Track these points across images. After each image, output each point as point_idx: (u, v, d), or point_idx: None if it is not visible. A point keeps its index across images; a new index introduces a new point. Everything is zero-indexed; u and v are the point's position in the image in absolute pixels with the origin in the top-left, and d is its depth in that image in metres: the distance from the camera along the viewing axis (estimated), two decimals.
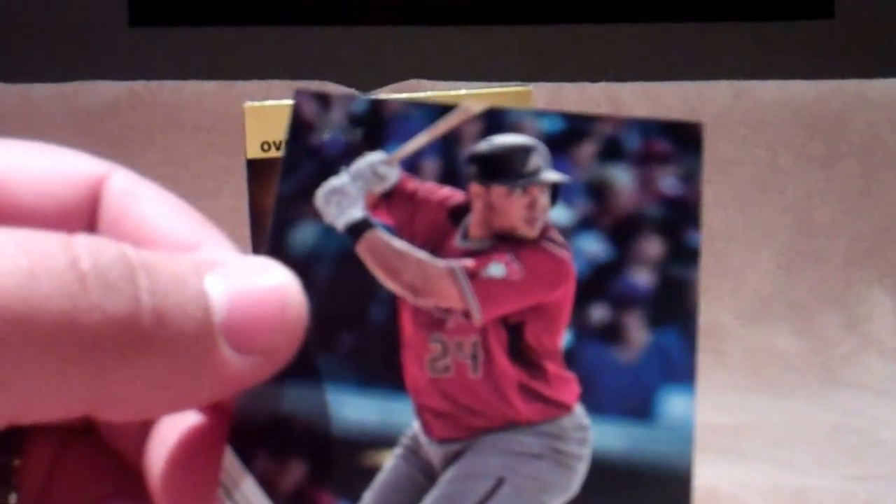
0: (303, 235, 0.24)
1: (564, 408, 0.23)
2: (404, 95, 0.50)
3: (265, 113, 0.48)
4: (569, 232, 0.23)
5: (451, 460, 0.23)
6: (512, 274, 0.23)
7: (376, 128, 0.24)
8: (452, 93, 0.49)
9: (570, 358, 0.23)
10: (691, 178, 0.23)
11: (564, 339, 0.23)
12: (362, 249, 0.23)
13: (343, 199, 0.24)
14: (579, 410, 0.22)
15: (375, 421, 0.22)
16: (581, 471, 0.22)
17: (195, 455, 0.22)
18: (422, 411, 0.23)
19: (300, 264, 0.22)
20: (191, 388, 0.20)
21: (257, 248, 0.46)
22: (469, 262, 0.23)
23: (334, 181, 0.24)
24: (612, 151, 0.24)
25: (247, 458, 0.22)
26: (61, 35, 1.78)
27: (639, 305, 0.23)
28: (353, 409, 0.22)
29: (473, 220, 0.24)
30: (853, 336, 1.40)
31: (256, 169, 0.47)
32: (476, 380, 0.23)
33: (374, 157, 0.24)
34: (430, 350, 0.23)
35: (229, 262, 0.21)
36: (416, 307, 0.23)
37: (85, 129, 1.46)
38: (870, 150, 1.51)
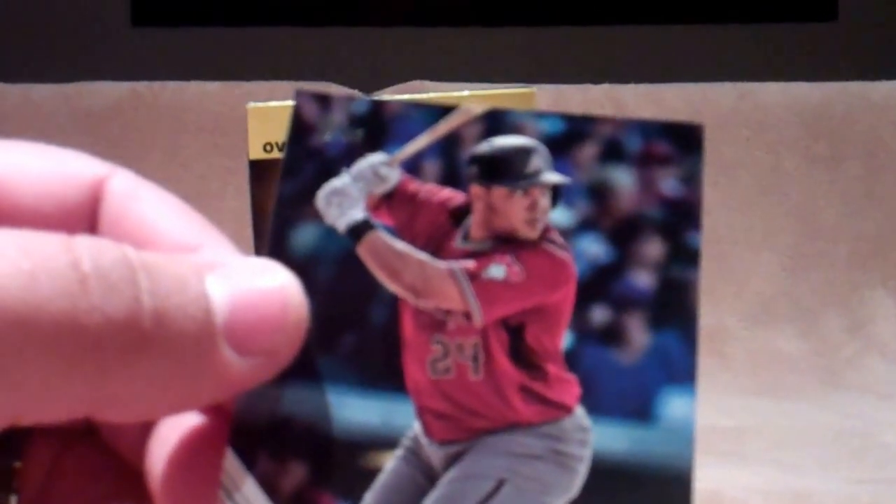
0: (304, 236, 0.24)
1: (565, 409, 0.23)
2: (406, 97, 0.50)
3: (268, 114, 0.48)
4: (569, 233, 0.23)
5: (451, 461, 0.23)
6: (513, 275, 0.23)
7: (377, 129, 0.24)
8: (455, 94, 0.49)
9: (571, 359, 0.23)
10: (692, 179, 0.23)
11: (565, 340, 0.23)
12: (363, 251, 0.23)
13: (344, 200, 0.24)
14: (580, 412, 0.22)
15: (376, 422, 0.22)
16: (582, 472, 0.22)
17: (196, 456, 0.22)
18: (422, 413, 0.23)
19: (301, 265, 0.22)
20: (191, 389, 0.20)
21: (259, 249, 0.46)
22: (470, 264, 0.23)
23: (335, 182, 0.24)
24: (612, 153, 0.24)
25: (247, 460, 0.22)
26: (63, 35, 1.78)
27: (639, 307, 0.23)
28: (353, 410, 0.22)
29: (474, 222, 0.24)
30: (857, 339, 1.40)
31: (259, 170, 0.47)
32: (477, 381, 0.23)
33: (375, 159, 0.24)
34: (431, 351, 0.23)
35: (230, 264, 0.21)
36: (417, 308, 0.23)
37: (86, 129, 1.46)
38: (874, 152, 1.51)
